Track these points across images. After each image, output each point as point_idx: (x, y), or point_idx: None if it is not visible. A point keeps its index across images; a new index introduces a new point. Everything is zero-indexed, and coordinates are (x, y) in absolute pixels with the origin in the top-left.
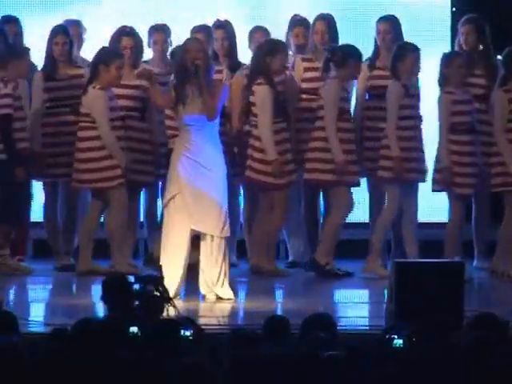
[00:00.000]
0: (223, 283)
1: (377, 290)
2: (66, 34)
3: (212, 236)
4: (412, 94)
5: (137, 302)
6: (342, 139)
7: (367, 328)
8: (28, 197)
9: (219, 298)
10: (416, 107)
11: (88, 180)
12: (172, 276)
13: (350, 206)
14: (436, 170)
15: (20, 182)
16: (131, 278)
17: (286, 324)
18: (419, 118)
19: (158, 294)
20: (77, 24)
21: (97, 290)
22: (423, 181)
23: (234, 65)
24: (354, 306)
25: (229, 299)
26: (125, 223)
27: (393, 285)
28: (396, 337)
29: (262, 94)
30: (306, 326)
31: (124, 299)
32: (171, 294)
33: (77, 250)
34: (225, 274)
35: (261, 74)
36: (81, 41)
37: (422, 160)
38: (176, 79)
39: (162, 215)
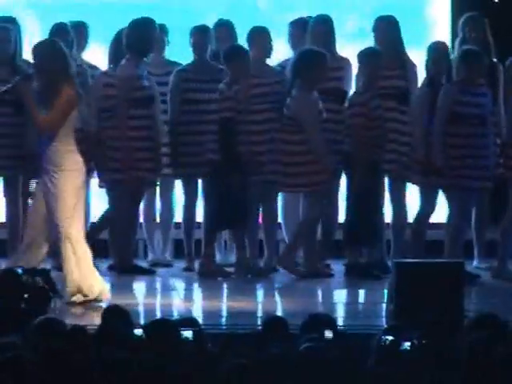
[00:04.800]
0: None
1: (377, 290)
2: (66, 33)
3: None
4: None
5: (26, 295)
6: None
7: (367, 328)
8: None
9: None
10: None
11: (302, 184)
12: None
13: None
14: None
15: (234, 185)
16: (19, 271)
17: (285, 324)
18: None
19: (47, 286)
20: (82, 25)
21: None
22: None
23: None
24: (353, 306)
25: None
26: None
27: (393, 285)
28: (402, 341)
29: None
30: (306, 325)
31: (16, 292)
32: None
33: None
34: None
35: (427, 76)
36: (86, 42)
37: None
38: None
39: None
